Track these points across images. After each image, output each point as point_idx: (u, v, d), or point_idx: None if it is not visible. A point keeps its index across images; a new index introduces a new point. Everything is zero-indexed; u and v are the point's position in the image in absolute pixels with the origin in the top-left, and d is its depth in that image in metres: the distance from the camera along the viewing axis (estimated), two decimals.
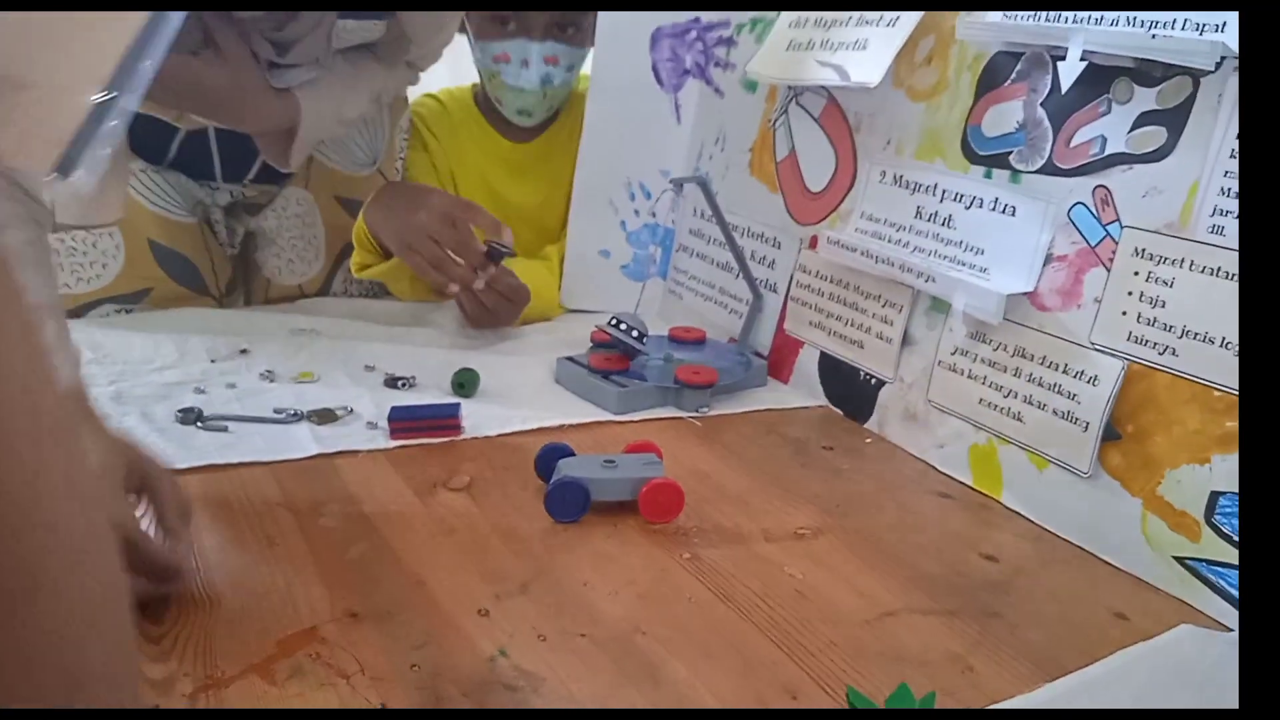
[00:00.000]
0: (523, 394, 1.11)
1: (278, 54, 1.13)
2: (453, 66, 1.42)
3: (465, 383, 1.09)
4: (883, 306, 1.04)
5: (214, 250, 1.37)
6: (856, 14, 1.05)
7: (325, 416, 1.01)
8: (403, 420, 0.98)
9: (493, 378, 1.13)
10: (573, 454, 0.89)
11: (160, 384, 1.07)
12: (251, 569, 0.74)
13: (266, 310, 1.37)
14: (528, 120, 1.43)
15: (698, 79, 1.31)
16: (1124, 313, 0.82)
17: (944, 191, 0.97)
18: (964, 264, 0.94)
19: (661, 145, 1.33)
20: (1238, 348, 0.74)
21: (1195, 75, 0.77)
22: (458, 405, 1.01)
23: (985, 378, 0.93)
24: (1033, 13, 0.87)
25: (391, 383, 1.11)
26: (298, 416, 1.00)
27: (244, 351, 1.16)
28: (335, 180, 1.41)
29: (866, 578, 0.78)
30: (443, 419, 0.99)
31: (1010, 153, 0.91)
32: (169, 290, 1.31)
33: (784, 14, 1.16)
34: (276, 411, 1.01)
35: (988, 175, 0.94)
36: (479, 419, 1.02)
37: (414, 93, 1.49)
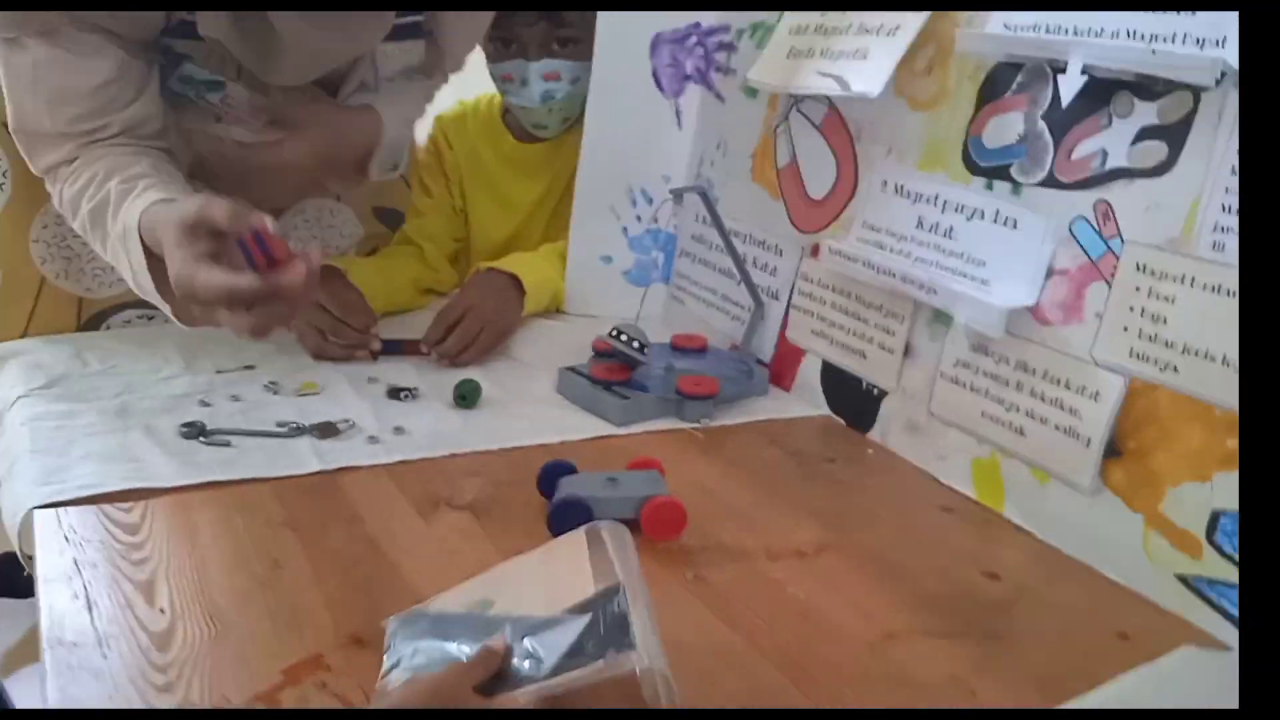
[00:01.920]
0: (525, 405, 1.11)
1: (328, 93, 1.16)
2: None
3: (467, 394, 1.09)
4: (884, 317, 1.04)
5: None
6: (857, 22, 1.04)
7: (327, 430, 1.01)
8: None
9: (495, 387, 1.13)
10: (575, 471, 0.89)
11: (166, 396, 1.07)
12: (257, 593, 0.75)
13: None
14: (544, 133, 1.45)
15: (698, 84, 1.31)
16: (1125, 328, 0.82)
17: (945, 202, 0.97)
18: (965, 275, 0.94)
19: (663, 151, 1.33)
20: (1238, 364, 0.74)
21: (1196, 91, 0.77)
22: None
23: (987, 390, 0.93)
24: (1033, 26, 0.87)
25: (394, 394, 1.11)
26: (299, 430, 1.01)
27: (249, 367, 1.16)
28: (370, 191, 1.42)
29: (870, 597, 0.78)
30: None
31: (1011, 164, 0.91)
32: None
33: (784, 20, 1.16)
34: (279, 425, 1.01)
35: (989, 187, 0.93)
36: (481, 432, 1.03)
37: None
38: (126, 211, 0.95)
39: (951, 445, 0.97)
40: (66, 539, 0.81)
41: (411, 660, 0.62)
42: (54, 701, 0.63)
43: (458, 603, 0.66)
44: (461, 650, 0.60)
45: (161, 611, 0.72)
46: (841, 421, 1.11)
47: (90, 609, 0.72)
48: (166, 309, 0.98)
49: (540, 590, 0.63)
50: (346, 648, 0.69)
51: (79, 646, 0.68)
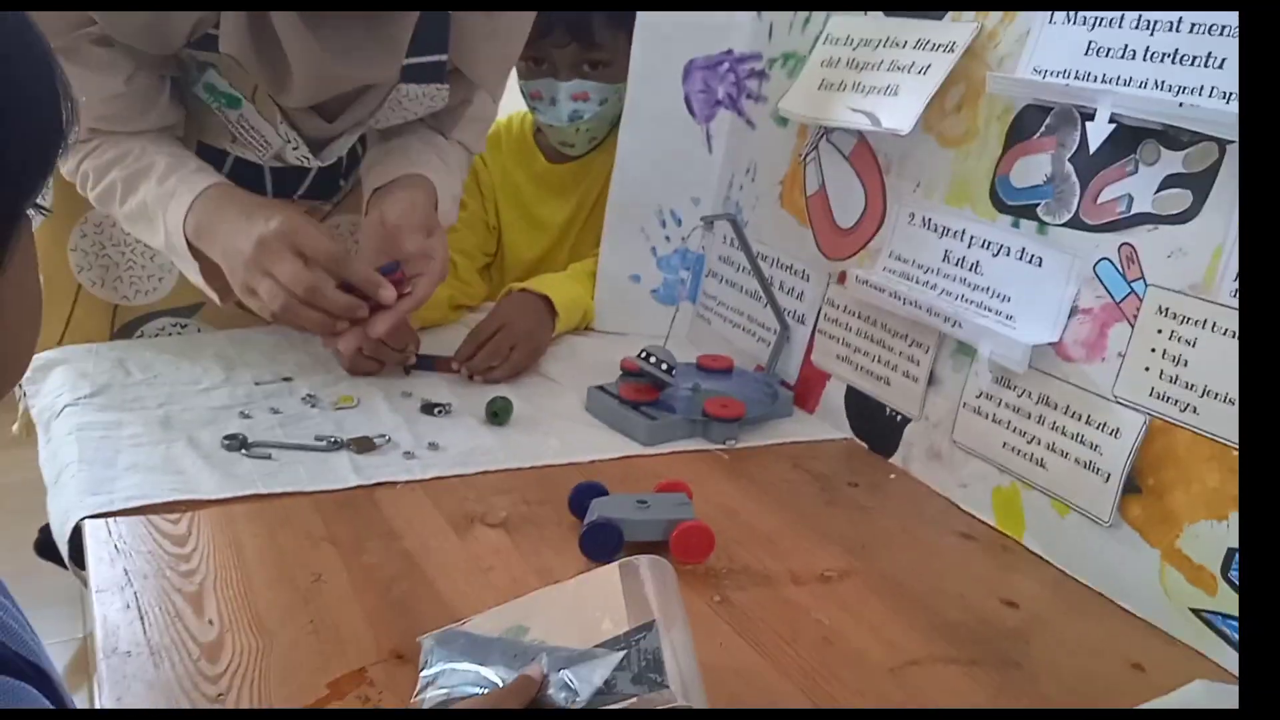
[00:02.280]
0: (555, 423, 1.13)
1: (327, 119, 1.18)
2: None
3: (499, 411, 1.12)
4: (910, 345, 1.06)
5: None
6: (888, 59, 1.07)
7: (364, 445, 1.04)
8: None
9: (525, 404, 1.16)
10: (606, 493, 0.92)
11: (206, 408, 1.10)
12: (300, 607, 0.78)
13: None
14: (571, 150, 1.49)
15: (729, 110, 1.34)
16: (1147, 368, 0.84)
17: (972, 237, 0.99)
18: (990, 310, 0.97)
19: (693, 174, 1.36)
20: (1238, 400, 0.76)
21: (1221, 143, 0.79)
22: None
23: (1009, 422, 0.95)
24: (1062, 71, 0.89)
25: (428, 409, 1.14)
26: (338, 445, 1.04)
27: (287, 379, 1.19)
28: None
29: (891, 624, 0.81)
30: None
31: (1038, 204, 0.93)
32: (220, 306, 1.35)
33: (816, 52, 1.18)
34: (318, 439, 1.04)
35: (1015, 224, 0.96)
36: (513, 450, 1.05)
37: None
38: (185, 180, 1.07)
39: (973, 473, 0.99)
40: (117, 549, 0.84)
41: (447, 680, 0.65)
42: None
43: (492, 626, 0.69)
44: (497, 674, 0.63)
45: (210, 623, 0.75)
46: (864, 445, 1.13)
47: (142, 619, 0.75)
48: (200, 280, 1.11)
49: (573, 621, 0.66)
50: (388, 662, 0.72)
51: (133, 656, 0.71)
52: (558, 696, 0.60)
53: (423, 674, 0.67)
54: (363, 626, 0.76)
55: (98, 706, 0.67)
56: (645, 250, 1.39)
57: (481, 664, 0.65)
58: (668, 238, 1.38)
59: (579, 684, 0.60)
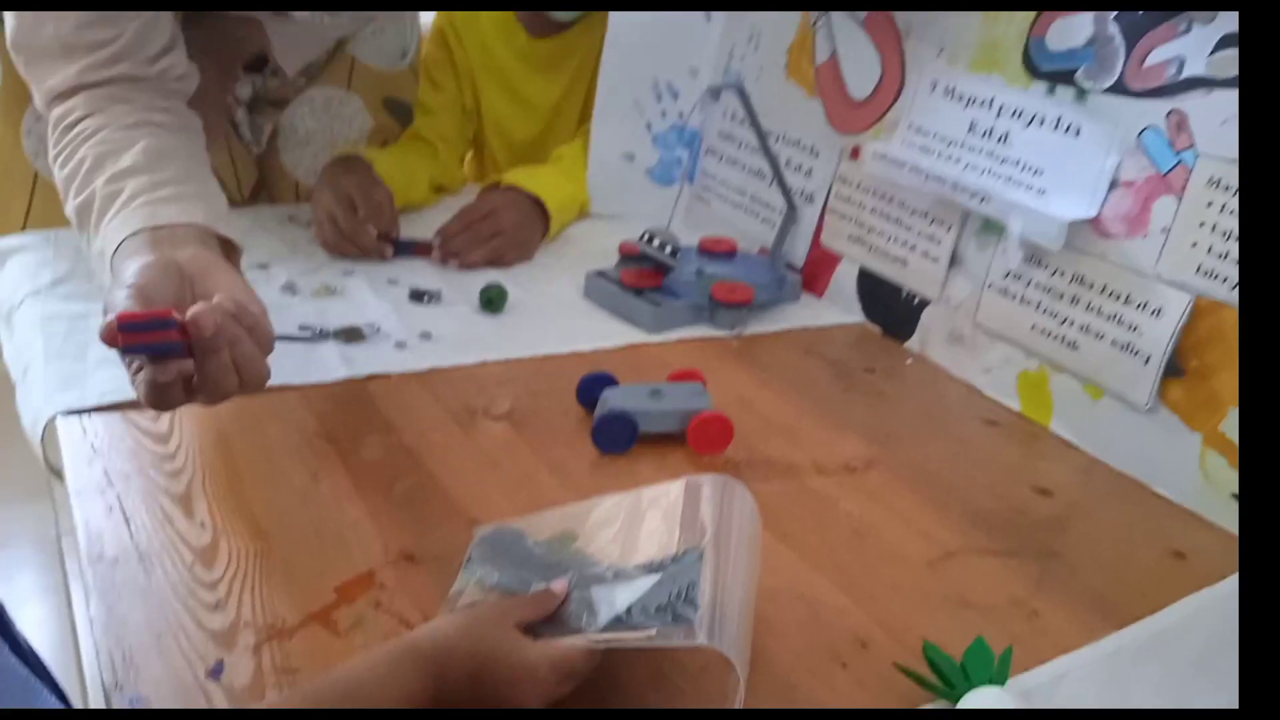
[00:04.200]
0: (553, 311, 1.08)
1: None
2: None
3: (494, 298, 1.05)
4: (930, 224, 1.00)
5: (235, 150, 1.30)
6: None
7: (352, 335, 0.98)
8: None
9: (520, 291, 1.10)
10: (615, 383, 0.87)
11: None
12: (299, 508, 0.73)
13: (290, 216, 1.31)
14: (563, 17, 1.37)
15: None
16: (1194, 244, 0.79)
17: (1001, 106, 0.93)
18: (1021, 184, 0.91)
19: (690, 43, 1.27)
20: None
21: None
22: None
23: (1039, 303, 0.90)
24: None
25: (416, 297, 1.07)
26: (323, 335, 0.97)
27: (263, 266, 1.11)
28: (381, 81, 1.35)
29: (923, 515, 0.77)
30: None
31: (1077, 69, 0.87)
32: None
33: None
34: (301, 329, 0.98)
35: (1050, 91, 0.89)
36: (511, 339, 1.00)
37: None
38: (107, 229, 0.82)
39: (998, 357, 0.95)
40: (94, 448, 0.78)
41: (488, 580, 0.60)
42: (100, 620, 0.61)
43: (543, 527, 0.65)
44: (533, 583, 0.59)
45: (203, 526, 0.70)
46: (878, 330, 1.08)
47: (128, 523, 0.70)
48: None
49: (622, 537, 0.60)
50: (398, 564, 0.67)
51: (120, 563, 0.66)
52: (577, 616, 0.56)
53: (464, 569, 0.63)
54: (368, 527, 0.71)
55: (86, 616, 0.62)
56: (640, 126, 1.31)
57: (522, 568, 0.61)
58: (664, 113, 1.30)
59: (600, 606, 0.55)
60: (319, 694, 0.50)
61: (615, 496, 0.65)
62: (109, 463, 0.76)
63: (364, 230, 1.14)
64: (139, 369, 0.71)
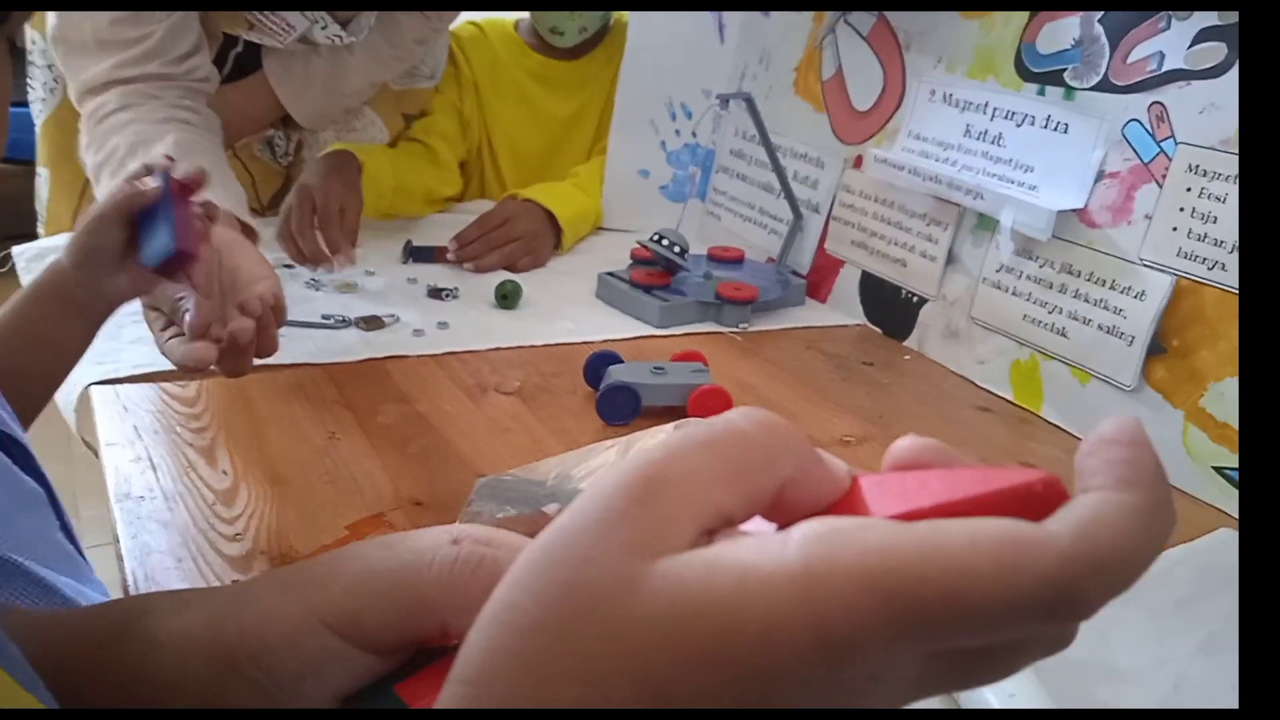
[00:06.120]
0: (565, 307, 1.12)
1: None
2: None
3: (509, 294, 1.10)
4: (928, 225, 1.04)
5: (252, 165, 1.37)
6: None
7: (372, 323, 1.02)
8: None
9: (535, 289, 1.14)
10: (621, 361, 0.91)
11: None
12: (316, 460, 0.77)
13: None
14: (560, 40, 1.42)
15: None
16: (1175, 228, 0.82)
17: (995, 109, 0.97)
18: (1013, 181, 0.95)
19: (704, 65, 1.33)
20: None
21: None
22: None
23: (1030, 294, 0.94)
24: None
25: (435, 294, 1.12)
26: (346, 322, 1.02)
27: (288, 266, 1.16)
28: (397, 97, 1.41)
29: None
30: None
31: (1065, 69, 0.91)
32: None
33: None
34: (325, 317, 1.02)
35: (1041, 92, 0.94)
36: (525, 330, 1.04)
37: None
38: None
39: (991, 349, 0.98)
40: (125, 409, 0.82)
41: (498, 514, 0.64)
42: (127, 550, 0.65)
43: (542, 471, 0.68)
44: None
45: (224, 473, 0.74)
46: (878, 330, 1.12)
47: (154, 469, 0.74)
48: None
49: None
50: (407, 508, 0.71)
51: (146, 500, 0.70)
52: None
53: (465, 508, 0.66)
54: (381, 477, 0.75)
55: (120, 552, 0.66)
56: (655, 144, 1.36)
57: (533, 502, 0.64)
58: (678, 131, 1.36)
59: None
60: None
61: (599, 445, 0.69)
62: (139, 420, 0.80)
63: (310, 235, 1.12)
64: (171, 335, 0.76)
